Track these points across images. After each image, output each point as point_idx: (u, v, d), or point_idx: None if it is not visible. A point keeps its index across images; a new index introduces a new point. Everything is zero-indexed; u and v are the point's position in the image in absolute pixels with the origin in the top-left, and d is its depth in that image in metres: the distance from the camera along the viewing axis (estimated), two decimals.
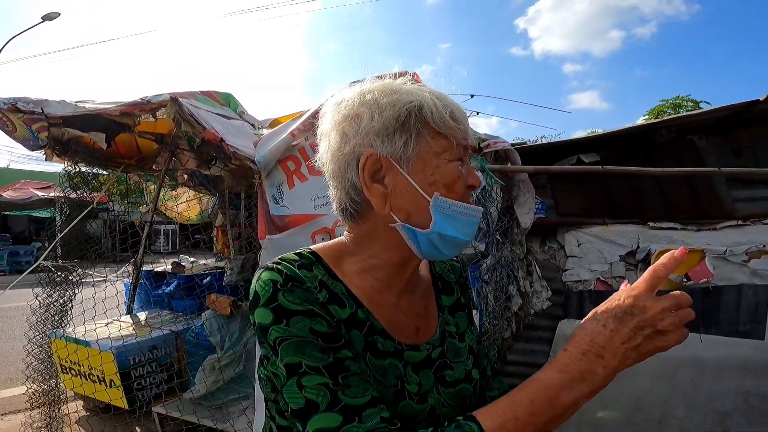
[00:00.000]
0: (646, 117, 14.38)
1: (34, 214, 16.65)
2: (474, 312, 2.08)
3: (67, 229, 3.09)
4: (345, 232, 0.80)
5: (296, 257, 0.74)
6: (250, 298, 0.71)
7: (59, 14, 15.60)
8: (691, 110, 11.78)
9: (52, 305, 3.20)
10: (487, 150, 2.21)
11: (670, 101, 14.45)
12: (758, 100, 2.56)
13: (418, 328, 0.80)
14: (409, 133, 0.70)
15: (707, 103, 13.79)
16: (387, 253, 0.76)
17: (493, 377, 0.93)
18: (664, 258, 0.64)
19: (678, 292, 0.63)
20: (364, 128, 0.71)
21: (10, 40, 15.42)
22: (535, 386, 0.63)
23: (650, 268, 0.64)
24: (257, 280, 0.70)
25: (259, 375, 0.77)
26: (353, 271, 0.76)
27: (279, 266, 0.71)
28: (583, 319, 0.67)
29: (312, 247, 0.79)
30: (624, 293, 0.64)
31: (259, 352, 2.50)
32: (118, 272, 3.91)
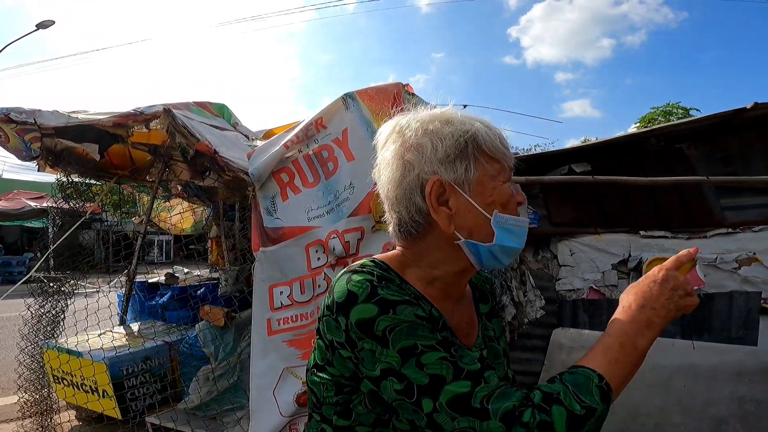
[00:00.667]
0: (638, 124, 14.55)
1: (26, 225, 16.53)
2: None
3: (60, 240, 3.08)
4: (399, 248, 0.88)
5: (372, 263, 0.82)
6: (339, 299, 0.76)
7: (53, 22, 15.61)
8: (681, 117, 11.91)
9: (44, 316, 3.19)
10: None
11: (661, 108, 14.65)
12: (745, 108, 2.61)
13: (468, 333, 0.91)
14: (468, 159, 0.80)
15: (697, 110, 13.99)
16: (447, 265, 0.85)
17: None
18: (683, 252, 0.82)
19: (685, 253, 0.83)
20: (428, 157, 0.80)
21: (4, 48, 15.38)
22: (617, 334, 0.75)
23: (676, 255, 0.82)
24: (348, 282, 0.77)
25: (314, 379, 0.82)
26: (416, 280, 0.84)
27: (366, 268, 0.79)
28: (627, 288, 0.82)
29: (376, 257, 0.87)
30: (656, 268, 0.81)
31: (263, 363, 2.44)
32: (111, 283, 3.88)
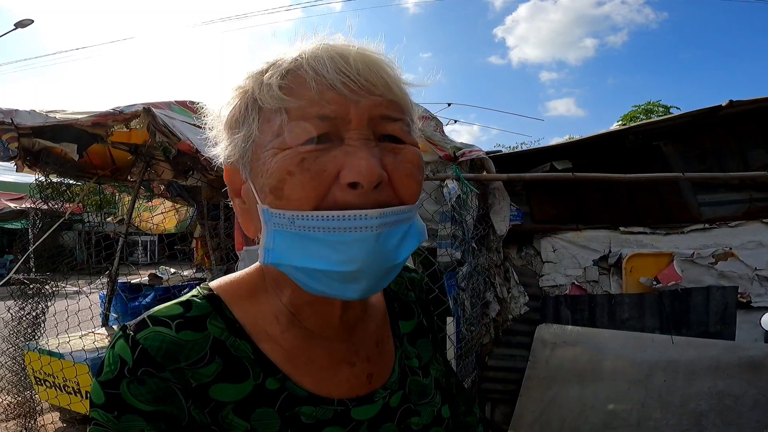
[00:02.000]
0: (620, 122, 14.76)
1: (5, 226, 16.19)
2: (450, 319, 2.11)
3: (39, 240, 3.03)
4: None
5: (182, 309, 0.53)
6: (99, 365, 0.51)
7: (32, 21, 15.28)
8: (662, 115, 12.13)
9: (24, 318, 3.14)
10: (462, 159, 2.25)
11: (642, 107, 14.91)
12: (720, 105, 2.67)
13: (370, 374, 0.61)
14: (247, 125, 0.50)
15: (677, 108, 14.26)
16: (290, 288, 0.55)
17: (458, 394, 0.79)
18: None
19: None
20: (217, 133, 0.55)
21: None
22: None
23: None
24: (110, 347, 0.51)
25: None
26: (271, 317, 0.56)
27: (142, 334, 0.49)
28: None
29: (215, 283, 0.58)
30: None
31: None
32: (93, 284, 3.83)
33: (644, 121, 3.97)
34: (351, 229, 0.46)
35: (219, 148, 0.55)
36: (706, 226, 2.86)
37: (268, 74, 0.48)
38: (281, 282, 0.55)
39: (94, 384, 0.49)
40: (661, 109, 14.48)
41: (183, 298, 0.55)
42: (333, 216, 0.45)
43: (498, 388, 2.62)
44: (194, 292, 0.56)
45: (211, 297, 0.55)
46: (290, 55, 0.49)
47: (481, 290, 2.25)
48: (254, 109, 0.50)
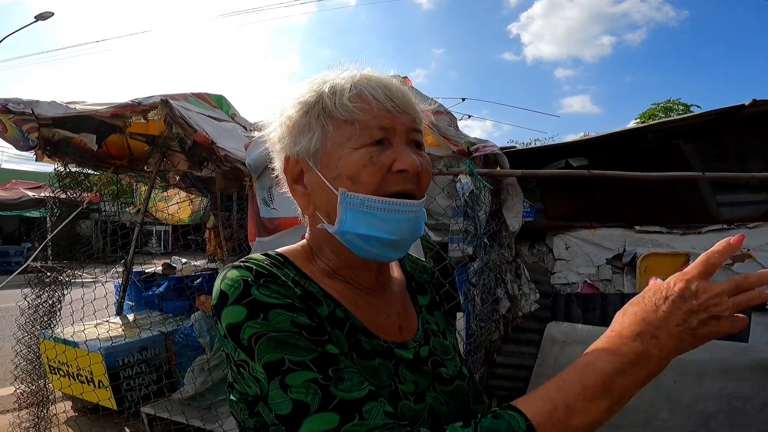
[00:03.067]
0: (637, 120, 14.55)
1: (24, 215, 16.53)
2: (460, 314, 2.11)
3: (57, 229, 3.09)
4: (306, 234, 0.77)
5: (265, 257, 0.70)
6: (214, 300, 0.63)
7: (53, 14, 15.55)
8: (682, 113, 11.92)
9: (40, 306, 3.20)
10: (476, 154, 2.24)
11: (661, 104, 14.65)
12: (743, 105, 2.61)
13: (401, 326, 0.76)
14: (315, 128, 0.68)
15: (698, 106, 13.99)
16: (336, 254, 0.72)
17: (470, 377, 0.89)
18: (718, 245, 0.60)
19: (742, 275, 0.58)
20: (283, 133, 0.71)
21: (3, 39, 15.30)
22: (585, 370, 0.57)
23: (704, 254, 0.60)
24: (222, 280, 0.64)
25: (231, 399, 0.68)
26: (322, 273, 0.72)
27: (247, 264, 0.65)
28: (627, 304, 0.62)
29: (278, 250, 0.75)
30: (674, 277, 0.59)
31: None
32: (109, 273, 3.90)
33: (663, 119, 3.90)
34: (402, 212, 0.66)
35: (278, 144, 0.72)
36: (724, 226, 2.80)
37: (338, 93, 0.66)
38: (328, 250, 0.72)
39: (227, 311, 0.60)
40: (681, 107, 14.21)
41: (261, 254, 0.71)
42: (390, 201, 0.65)
43: (506, 385, 2.61)
44: (267, 252, 0.72)
45: (282, 255, 0.72)
46: (346, 81, 0.67)
47: (491, 286, 2.25)
48: (324, 117, 0.67)
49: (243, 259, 0.68)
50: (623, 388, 0.57)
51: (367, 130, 0.65)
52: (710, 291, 0.57)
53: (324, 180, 0.67)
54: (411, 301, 0.82)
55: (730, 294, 0.57)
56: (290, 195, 0.75)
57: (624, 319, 0.61)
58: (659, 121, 3.33)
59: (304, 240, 0.76)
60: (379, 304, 0.75)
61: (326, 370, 0.56)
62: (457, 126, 2.29)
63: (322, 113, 0.67)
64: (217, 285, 0.64)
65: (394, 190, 0.66)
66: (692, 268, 0.59)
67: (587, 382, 0.56)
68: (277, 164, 0.75)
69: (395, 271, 0.84)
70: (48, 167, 3.49)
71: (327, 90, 0.67)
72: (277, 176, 0.77)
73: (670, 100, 14.62)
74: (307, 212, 0.72)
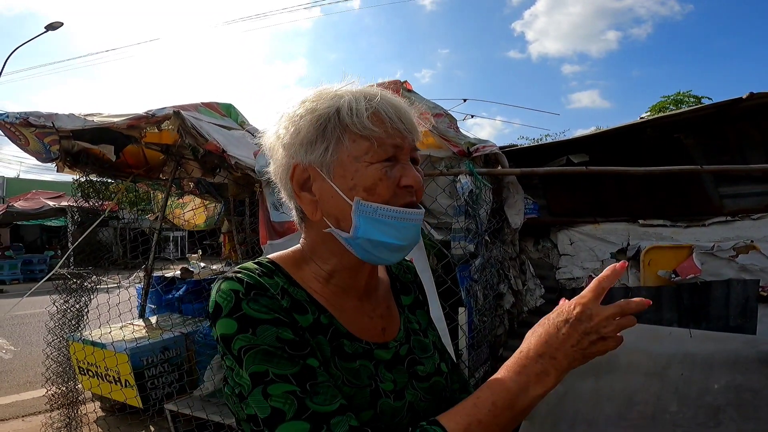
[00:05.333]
0: (648, 113, 14.35)
1: (45, 224, 16.91)
2: (462, 310, 2.18)
3: (83, 236, 3.23)
4: (301, 239, 0.81)
5: (256, 266, 0.74)
6: (210, 308, 0.70)
7: (62, 24, 15.86)
8: (692, 106, 11.75)
9: (68, 310, 3.34)
10: (476, 154, 2.31)
11: (672, 97, 14.42)
12: (742, 98, 2.63)
13: (383, 328, 0.82)
14: (330, 140, 0.72)
15: (709, 98, 13.73)
16: (337, 258, 0.77)
17: (453, 372, 0.94)
18: (606, 270, 0.69)
19: (624, 301, 0.67)
20: (291, 141, 0.74)
21: (15, 50, 15.73)
22: (497, 389, 0.66)
23: (596, 279, 0.68)
24: (217, 291, 0.69)
25: (226, 392, 0.73)
26: (312, 278, 0.77)
27: (239, 275, 0.70)
28: (536, 325, 0.71)
29: (270, 256, 0.80)
30: (574, 301, 0.68)
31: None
32: (131, 278, 4.04)
33: (663, 114, 3.92)
34: (410, 220, 0.73)
35: (281, 152, 0.76)
36: (728, 218, 2.82)
37: (356, 110, 0.71)
38: (328, 254, 0.77)
39: (220, 323, 0.67)
40: (691, 99, 13.98)
41: (253, 262, 0.76)
42: (402, 210, 0.72)
43: None
44: (259, 259, 0.78)
45: (272, 262, 0.77)
46: (361, 98, 0.72)
47: (494, 282, 2.31)
48: (340, 129, 0.71)
49: (235, 269, 0.73)
50: (524, 404, 0.66)
51: (383, 147, 0.71)
52: (602, 314, 0.66)
53: (337, 189, 0.71)
54: (395, 301, 0.89)
55: (615, 317, 0.66)
56: (288, 200, 0.80)
57: (532, 340, 0.70)
58: (659, 115, 3.35)
59: (298, 245, 0.81)
60: (364, 308, 0.81)
61: (305, 384, 0.64)
62: (457, 127, 2.36)
63: (338, 126, 0.71)
64: (213, 295, 0.70)
65: (402, 203, 0.72)
66: (587, 292, 0.68)
67: (496, 400, 0.65)
68: (275, 169, 0.78)
69: (381, 272, 0.90)
70: (66, 177, 3.64)
71: (344, 105, 0.71)
72: (271, 180, 0.81)
73: (680, 93, 14.40)
74: (313, 218, 0.75)
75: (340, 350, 0.73)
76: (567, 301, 0.70)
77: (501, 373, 0.68)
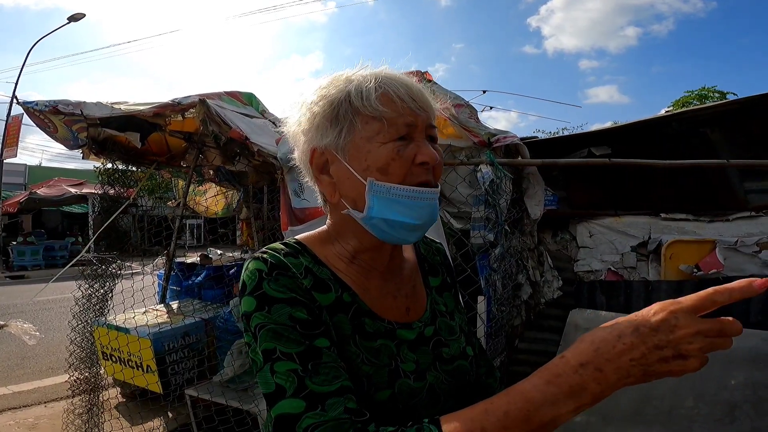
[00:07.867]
0: (670, 108, 14.09)
1: (66, 210, 17.24)
2: (481, 298, 2.19)
3: (107, 222, 3.31)
4: (327, 221, 0.84)
5: (283, 246, 0.77)
6: (240, 286, 0.73)
7: (84, 15, 16.05)
8: (717, 101, 11.51)
9: (93, 295, 3.41)
10: (496, 144, 2.31)
11: (696, 92, 14.14)
12: (766, 94, 2.59)
13: (408, 308, 0.82)
14: (343, 123, 0.73)
15: (734, 94, 13.42)
16: (358, 238, 0.78)
17: (480, 356, 0.93)
18: (739, 282, 0.54)
19: (730, 318, 0.54)
20: (308, 126, 0.77)
21: (38, 41, 15.97)
22: (514, 396, 0.58)
23: (711, 289, 0.54)
24: (245, 270, 0.72)
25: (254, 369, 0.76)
26: (336, 257, 0.79)
27: (265, 255, 0.73)
28: (596, 328, 0.58)
29: (298, 237, 0.83)
30: (658, 305, 0.55)
31: None
32: (153, 263, 4.12)
33: (688, 108, 3.85)
34: (424, 199, 0.73)
35: (302, 137, 0.78)
36: (753, 213, 2.78)
37: (365, 92, 0.72)
38: (350, 234, 0.79)
39: (244, 300, 0.70)
40: (716, 95, 13.67)
41: (281, 243, 0.79)
42: (414, 189, 0.72)
43: (528, 370, 2.61)
44: (287, 240, 0.80)
45: (299, 242, 0.80)
46: (371, 80, 0.73)
47: (513, 272, 2.32)
48: (352, 112, 0.73)
49: (263, 249, 0.76)
50: (545, 420, 0.56)
51: (394, 127, 0.72)
52: (691, 327, 0.53)
53: (352, 170, 0.73)
54: (422, 282, 0.89)
55: (706, 334, 0.53)
56: (312, 184, 0.82)
57: (580, 345, 0.58)
58: (684, 110, 3.30)
59: (325, 226, 0.83)
60: (388, 287, 0.82)
61: (307, 363, 0.65)
62: (477, 118, 2.36)
63: (350, 109, 0.73)
64: (243, 274, 0.73)
65: (418, 181, 0.73)
66: (686, 298, 0.54)
67: (510, 409, 0.57)
68: (298, 155, 0.81)
69: (409, 253, 0.91)
70: (87, 165, 3.72)
71: (353, 89, 0.73)
72: (296, 166, 0.84)
73: (705, 88, 14.09)
74: (332, 200, 0.78)
75: (361, 329, 0.74)
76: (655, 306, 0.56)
77: (530, 378, 0.59)
